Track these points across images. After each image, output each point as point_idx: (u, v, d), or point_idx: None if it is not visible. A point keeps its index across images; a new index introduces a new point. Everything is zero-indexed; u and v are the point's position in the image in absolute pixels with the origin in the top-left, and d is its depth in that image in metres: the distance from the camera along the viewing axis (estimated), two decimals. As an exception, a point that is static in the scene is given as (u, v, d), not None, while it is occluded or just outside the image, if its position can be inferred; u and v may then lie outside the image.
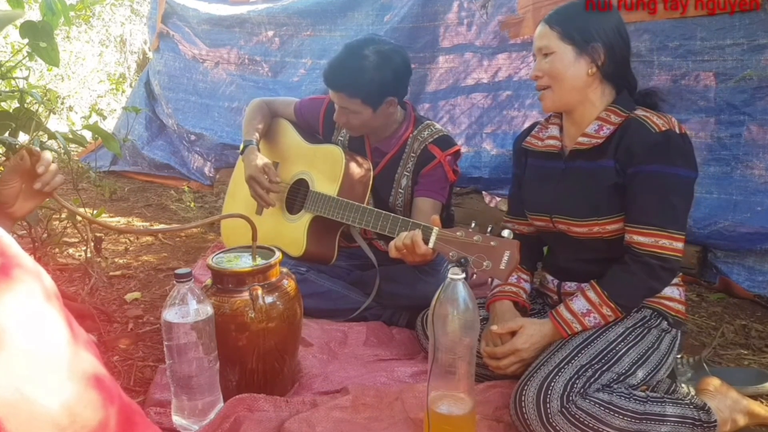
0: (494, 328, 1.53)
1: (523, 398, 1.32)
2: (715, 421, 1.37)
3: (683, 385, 1.52)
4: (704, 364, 1.64)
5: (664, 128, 1.39)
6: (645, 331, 1.46)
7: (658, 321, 1.49)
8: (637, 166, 1.41)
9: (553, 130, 1.61)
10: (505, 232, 1.38)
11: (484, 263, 1.38)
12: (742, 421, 1.44)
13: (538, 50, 1.49)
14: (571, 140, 1.55)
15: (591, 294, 1.46)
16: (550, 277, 1.67)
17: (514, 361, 1.49)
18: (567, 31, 1.44)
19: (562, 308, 1.49)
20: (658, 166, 1.39)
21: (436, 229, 1.47)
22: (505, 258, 1.37)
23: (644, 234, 1.41)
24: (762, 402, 1.57)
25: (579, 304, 1.47)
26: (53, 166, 1.33)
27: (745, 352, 1.90)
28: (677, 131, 1.40)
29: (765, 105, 2.16)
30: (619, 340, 1.43)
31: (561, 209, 1.54)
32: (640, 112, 1.46)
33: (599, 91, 1.49)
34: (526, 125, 2.84)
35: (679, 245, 1.41)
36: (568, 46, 1.44)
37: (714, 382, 1.50)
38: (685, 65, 2.30)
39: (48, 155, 1.31)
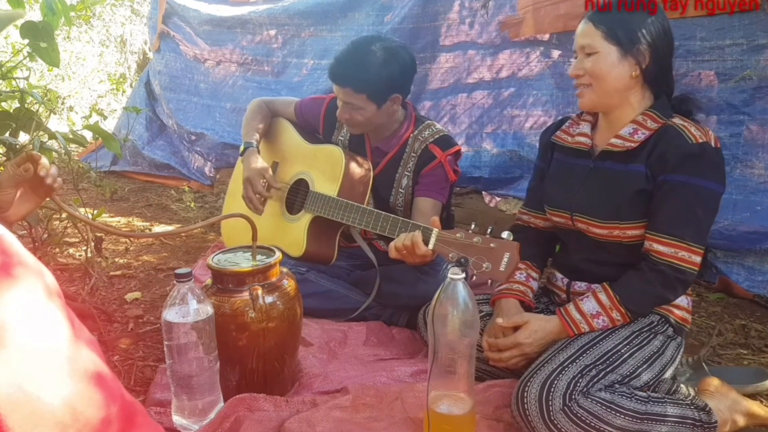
0: (499, 320, 1.53)
1: (525, 395, 1.32)
2: (716, 421, 1.37)
3: (683, 385, 1.52)
4: (704, 364, 1.64)
5: (701, 140, 1.37)
6: (651, 336, 1.46)
7: (665, 327, 1.49)
8: (668, 174, 1.39)
9: (585, 127, 1.58)
10: (505, 234, 1.38)
11: (484, 265, 1.38)
12: (741, 421, 1.44)
13: (581, 48, 1.45)
14: (602, 140, 1.53)
15: (603, 297, 1.45)
16: (559, 275, 1.66)
17: (515, 354, 1.49)
18: (612, 30, 1.40)
19: (571, 307, 1.48)
20: (689, 177, 1.38)
21: (435, 231, 1.47)
22: (505, 260, 1.37)
23: (665, 243, 1.40)
24: (761, 401, 1.57)
25: (589, 305, 1.46)
26: (53, 169, 1.33)
27: (745, 351, 1.90)
28: (713, 145, 1.39)
29: (764, 105, 2.16)
30: (625, 342, 1.42)
31: (583, 208, 1.52)
32: (677, 120, 1.43)
33: (639, 95, 1.46)
34: (528, 125, 2.88)
35: (698, 259, 1.40)
36: (612, 47, 1.40)
37: (714, 383, 1.50)
38: (685, 65, 2.30)
39: (46, 159, 1.31)
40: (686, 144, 1.37)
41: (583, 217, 1.52)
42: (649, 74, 1.43)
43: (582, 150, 1.56)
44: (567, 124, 1.65)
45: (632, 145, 1.44)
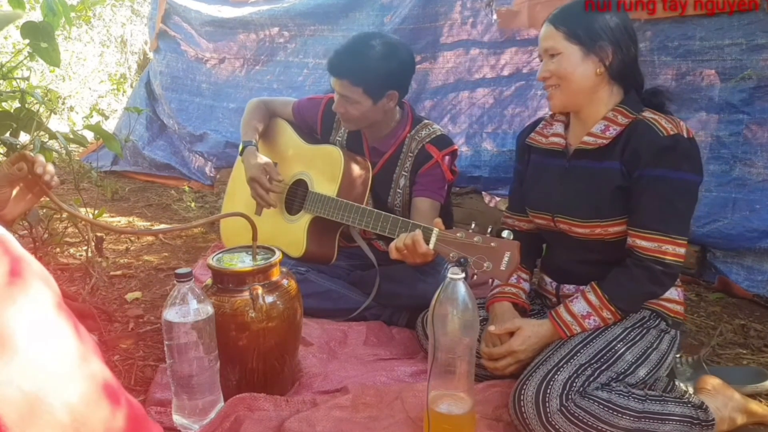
0: (491, 329, 1.53)
1: (522, 397, 1.33)
2: (713, 419, 1.37)
3: (681, 383, 1.52)
4: (703, 364, 1.64)
5: (672, 132, 1.38)
6: (644, 332, 1.46)
7: (657, 321, 1.49)
8: (643, 169, 1.40)
9: (558, 128, 1.59)
10: (505, 233, 1.38)
11: (485, 264, 1.38)
12: (740, 419, 1.45)
13: (545, 51, 1.47)
14: (576, 139, 1.54)
15: (592, 297, 1.46)
16: (548, 279, 1.66)
17: (511, 362, 1.49)
18: (573, 30, 1.42)
19: (561, 309, 1.48)
20: (665, 170, 1.38)
21: (436, 230, 1.47)
22: (506, 259, 1.37)
23: (647, 239, 1.40)
24: (760, 401, 1.57)
25: (579, 306, 1.46)
26: (50, 166, 1.34)
27: (744, 351, 1.90)
28: (685, 135, 1.39)
29: (764, 104, 2.16)
30: (619, 339, 1.43)
31: (563, 209, 1.53)
32: (648, 114, 1.44)
33: (607, 91, 1.47)
34: (527, 125, 2.88)
35: (682, 251, 1.40)
36: (574, 46, 1.42)
37: (712, 381, 1.50)
38: (684, 65, 2.30)
39: (41, 158, 1.32)
40: (658, 138, 1.38)
41: (564, 218, 1.53)
42: (613, 70, 1.44)
43: (557, 150, 1.57)
44: (541, 125, 1.66)
45: (604, 141, 1.45)
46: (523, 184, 1.68)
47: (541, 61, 1.49)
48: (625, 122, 1.44)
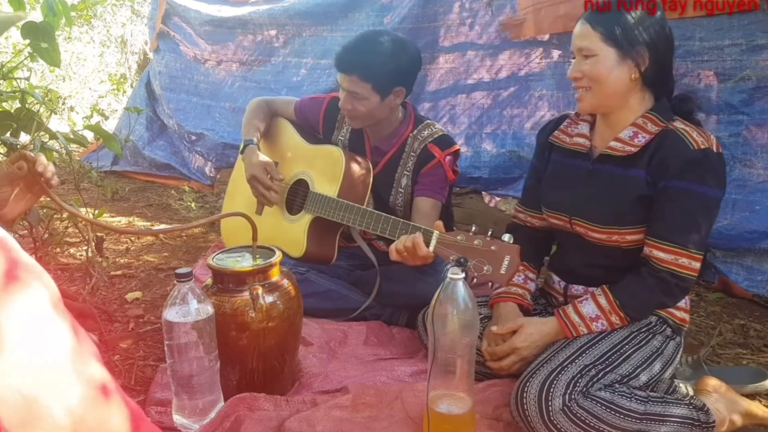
0: (494, 328, 1.53)
1: (525, 395, 1.32)
2: (714, 421, 1.37)
3: (682, 384, 1.52)
4: (703, 364, 1.65)
5: (703, 146, 1.35)
6: (650, 336, 1.46)
7: (663, 327, 1.49)
8: (669, 180, 1.37)
9: (583, 128, 1.56)
10: (506, 237, 1.37)
11: (485, 268, 1.37)
12: (739, 421, 1.45)
13: (578, 50, 1.41)
14: (602, 141, 1.50)
15: (602, 300, 1.45)
16: (556, 278, 1.65)
17: (515, 360, 1.49)
18: (611, 32, 1.36)
19: (570, 310, 1.47)
20: (690, 183, 1.36)
21: (436, 233, 1.47)
22: (506, 263, 1.36)
23: (665, 250, 1.38)
24: (760, 401, 1.58)
25: (588, 308, 1.46)
26: (51, 166, 1.34)
27: (744, 351, 1.90)
28: (715, 150, 1.36)
29: (763, 105, 2.16)
30: (624, 342, 1.43)
31: (582, 212, 1.50)
32: (678, 124, 1.40)
33: (639, 97, 1.44)
34: (527, 125, 2.88)
35: (697, 265, 1.39)
36: (611, 49, 1.37)
37: (712, 382, 1.50)
38: (684, 65, 2.30)
39: (42, 157, 1.32)
40: (688, 150, 1.35)
41: (582, 221, 1.51)
42: (648, 76, 1.41)
43: (580, 152, 1.54)
44: (565, 123, 1.62)
45: (632, 149, 1.42)
46: (540, 181, 1.65)
47: (573, 58, 1.45)
48: (655, 130, 1.41)
